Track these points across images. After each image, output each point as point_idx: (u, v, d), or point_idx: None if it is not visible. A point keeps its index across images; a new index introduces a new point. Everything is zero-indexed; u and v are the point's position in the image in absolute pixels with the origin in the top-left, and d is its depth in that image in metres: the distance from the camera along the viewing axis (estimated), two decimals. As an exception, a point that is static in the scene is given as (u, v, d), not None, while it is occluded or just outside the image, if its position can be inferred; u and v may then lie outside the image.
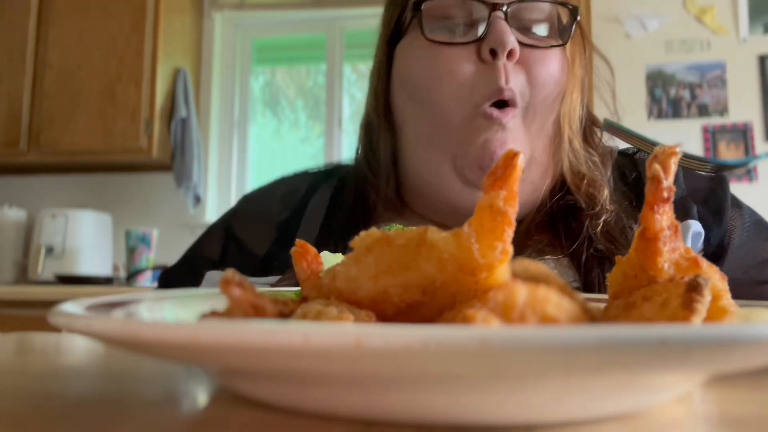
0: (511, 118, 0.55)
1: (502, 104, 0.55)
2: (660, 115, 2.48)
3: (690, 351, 0.17)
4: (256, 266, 0.64)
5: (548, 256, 0.57)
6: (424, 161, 0.60)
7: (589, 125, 0.63)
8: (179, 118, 2.52)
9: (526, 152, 0.57)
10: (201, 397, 0.27)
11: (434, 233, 0.23)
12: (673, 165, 0.25)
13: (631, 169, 0.65)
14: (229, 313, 0.24)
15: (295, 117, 2.94)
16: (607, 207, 0.58)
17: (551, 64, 0.56)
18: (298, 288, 0.32)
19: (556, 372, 0.18)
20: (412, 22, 0.59)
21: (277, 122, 2.94)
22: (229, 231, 0.69)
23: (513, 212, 0.23)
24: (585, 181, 0.59)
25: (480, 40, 0.55)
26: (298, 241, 0.30)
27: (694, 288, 0.22)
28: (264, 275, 0.57)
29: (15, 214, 2.59)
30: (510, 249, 0.22)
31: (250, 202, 0.73)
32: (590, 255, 0.55)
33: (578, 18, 0.58)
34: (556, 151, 0.59)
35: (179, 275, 0.69)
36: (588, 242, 0.56)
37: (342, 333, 0.16)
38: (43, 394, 0.26)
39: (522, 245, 0.56)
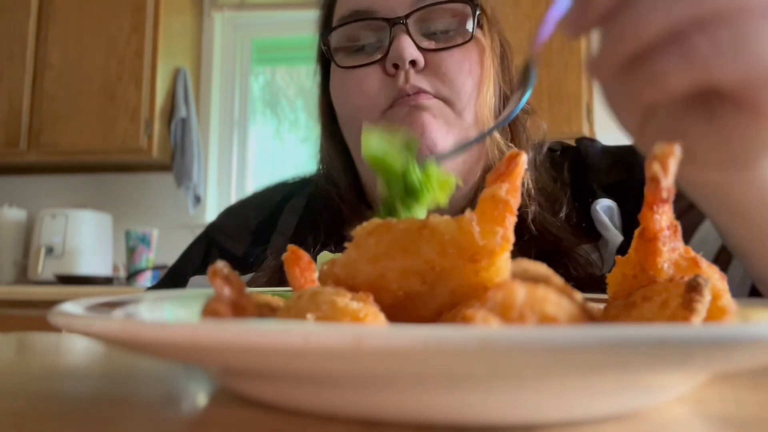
0: (425, 99, 0.57)
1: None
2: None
3: (690, 351, 0.17)
4: (234, 267, 0.66)
5: None
6: (363, 165, 0.65)
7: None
8: (179, 118, 2.52)
9: (456, 135, 0.59)
10: (201, 397, 0.27)
11: (436, 218, 0.23)
12: (672, 165, 0.25)
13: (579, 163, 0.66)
14: (215, 306, 0.24)
15: (295, 117, 2.94)
16: (532, 197, 0.59)
17: (458, 61, 0.58)
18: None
19: (556, 372, 0.18)
20: (326, 49, 0.63)
21: (277, 122, 2.94)
22: (209, 239, 0.73)
23: (515, 202, 0.23)
24: None
25: (385, 57, 0.58)
26: (290, 246, 0.30)
27: (693, 288, 0.22)
28: (241, 274, 0.59)
29: (15, 214, 2.59)
30: (511, 236, 0.22)
31: (228, 213, 0.77)
32: (537, 251, 0.57)
33: (478, 11, 0.59)
34: (484, 141, 0.61)
35: (166, 287, 0.71)
36: (532, 239, 0.58)
37: (342, 333, 0.16)
38: (43, 394, 0.26)
39: None
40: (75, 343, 0.44)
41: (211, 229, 0.75)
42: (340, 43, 0.62)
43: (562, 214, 0.60)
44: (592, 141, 0.69)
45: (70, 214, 2.46)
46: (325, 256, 0.31)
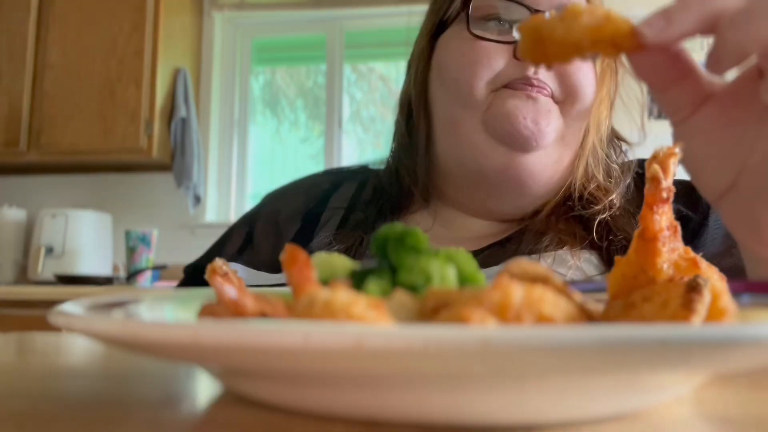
0: (541, 95, 0.57)
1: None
2: (660, 115, 2.47)
3: (690, 351, 0.17)
4: (272, 262, 0.66)
5: (567, 247, 0.58)
6: (453, 136, 0.62)
7: (613, 139, 0.66)
8: (179, 118, 2.52)
9: (559, 131, 0.59)
10: (201, 397, 0.27)
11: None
12: (673, 166, 0.25)
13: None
14: (217, 306, 0.24)
15: (295, 117, 2.94)
16: (614, 204, 0.60)
17: (586, 74, 0.59)
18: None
19: (556, 372, 0.18)
20: (458, 16, 0.62)
21: (277, 122, 2.94)
22: (251, 227, 0.72)
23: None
24: (594, 185, 0.61)
25: (518, 42, 0.57)
26: (287, 246, 0.30)
27: (693, 288, 0.22)
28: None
29: (15, 214, 2.59)
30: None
31: (273, 199, 0.75)
32: (611, 243, 0.58)
33: None
34: (582, 153, 0.62)
35: (202, 269, 0.70)
36: (606, 234, 0.59)
37: (342, 333, 0.16)
38: (43, 394, 0.26)
39: (542, 232, 0.60)
40: (75, 343, 0.44)
41: (254, 215, 0.73)
42: (473, 11, 0.60)
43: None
44: None
45: (70, 214, 2.46)
46: (321, 257, 0.31)
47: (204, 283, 0.60)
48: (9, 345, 0.44)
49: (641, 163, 0.68)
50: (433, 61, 0.64)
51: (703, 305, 0.21)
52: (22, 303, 2.09)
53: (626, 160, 0.66)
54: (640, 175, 0.67)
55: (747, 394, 0.26)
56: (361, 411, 0.20)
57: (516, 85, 0.57)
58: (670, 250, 0.25)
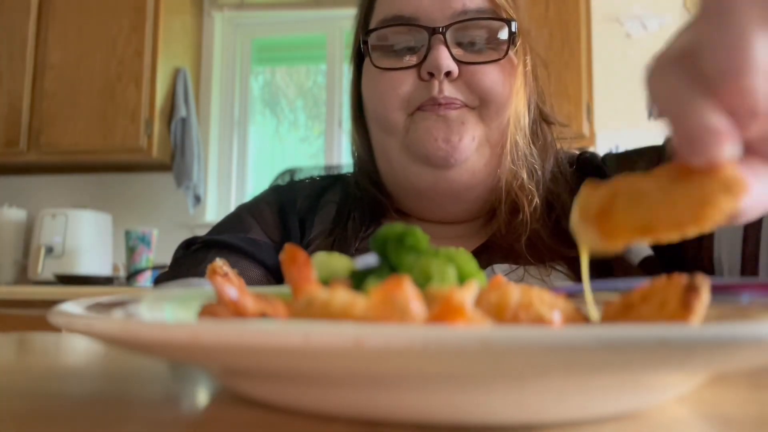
0: (450, 111, 0.59)
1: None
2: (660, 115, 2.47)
3: (690, 351, 0.17)
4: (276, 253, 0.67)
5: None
6: (386, 160, 0.66)
7: (539, 124, 0.67)
8: (179, 118, 2.52)
9: (479, 137, 0.61)
10: (201, 397, 0.27)
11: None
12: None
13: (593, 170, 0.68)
14: (217, 306, 0.24)
15: (294, 117, 2.94)
16: (534, 219, 0.61)
17: (490, 75, 0.60)
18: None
19: (556, 372, 0.18)
20: (365, 47, 0.65)
21: (277, 122, 2.94)
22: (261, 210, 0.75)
23: None
24: (518, 183, 0.62)
25: (420, 64, 0.60)
26: (286, 246, 0.30)
27: (692, 288, 0.22)
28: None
29: (15, 214, 2.59)
30: None
31: (277, 193, 0.78)
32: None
33: (514, 30, 0.62)
34: (504, 150, 0.63)
35: (203, 243, 0.70)
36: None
37: (342, 333, 0.16)
38: (43, 394, 0.26)
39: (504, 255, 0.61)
40: (75, 343, 0.44)
41: (258, 205, 0.75)
42: (377, 42, 0.63)
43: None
44: (593, 154, 0.72)
45: (70, 214, 2.45)
46: (321, 257, 0.31)
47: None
48: (9, 345, 0.44)
49: (579, 158, 0.70)
50: (362, 86, 0.67)
51: (701, 305, 0.21)
52: (22, 303, 2.09)
53: (548, 142, 0.67)
54: (576, 168, 0.69)
55: (747, 394, 0.26)
56: (361, 411, 0.20)
57: (426, 106, 0.60)
58: None
